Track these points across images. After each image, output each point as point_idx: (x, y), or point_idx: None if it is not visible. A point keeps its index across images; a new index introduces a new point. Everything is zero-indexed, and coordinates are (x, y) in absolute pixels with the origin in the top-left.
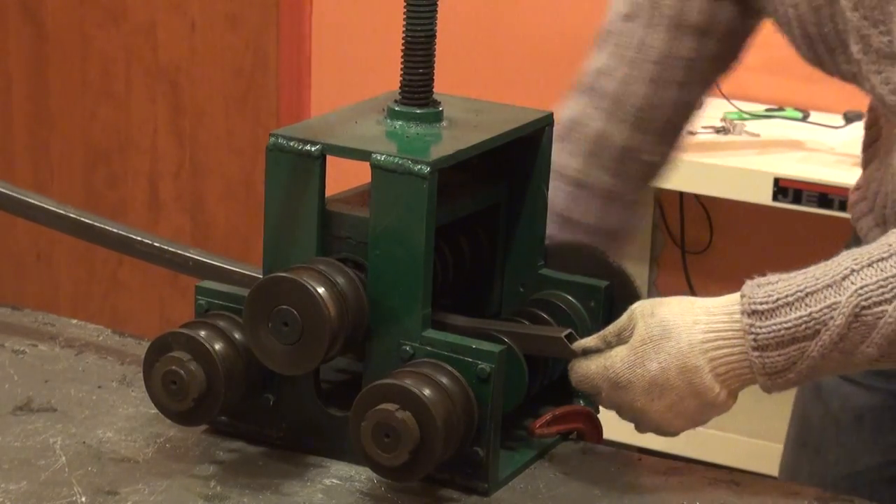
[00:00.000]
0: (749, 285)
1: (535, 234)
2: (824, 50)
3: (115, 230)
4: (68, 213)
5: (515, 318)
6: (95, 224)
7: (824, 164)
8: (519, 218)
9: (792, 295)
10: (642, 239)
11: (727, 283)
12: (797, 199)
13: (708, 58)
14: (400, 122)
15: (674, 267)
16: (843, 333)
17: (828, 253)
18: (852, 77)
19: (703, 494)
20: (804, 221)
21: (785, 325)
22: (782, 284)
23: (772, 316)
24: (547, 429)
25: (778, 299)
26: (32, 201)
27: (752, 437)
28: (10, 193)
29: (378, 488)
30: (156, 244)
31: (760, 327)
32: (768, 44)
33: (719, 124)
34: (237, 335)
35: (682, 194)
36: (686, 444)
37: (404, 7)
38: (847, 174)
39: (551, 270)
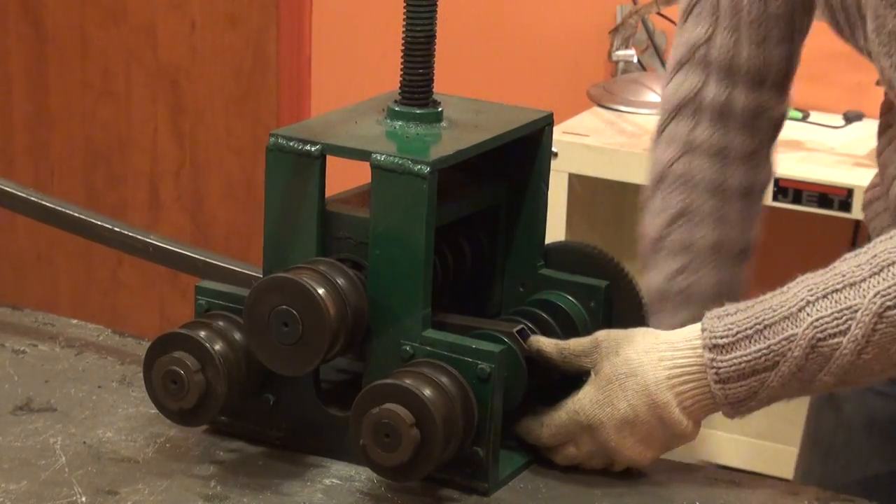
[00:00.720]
0: (709, 317)
1: (535, 234)
2: (844, 21)
3: (76, 214)
4: (30, 197)
5: (515, 318)
6: (59, 209)
7: (824, 164)
8: (519, 218)
9: (751, 328)
10: None
11: None
12: (797, 199)
13: (800, 8)
14: (400, 123)
15: None
16: (801, 364)
17: (828, 253)
18: (868, 54)
19: (703, 494)
20: (804, 221)
21: (745, 359)
22: (741, 316)
23: (732, 349)
24: None
25: (737, 332)
26: None
27: (752, 437)
28: None
29: (378, 488)
30: (116, 229)
31: (722, 361)
32: None
33: None
34: (237, 335)
35: None
36: (686, 444)
37: (404, 7)
38: (847, 174)
39: (551, 270)
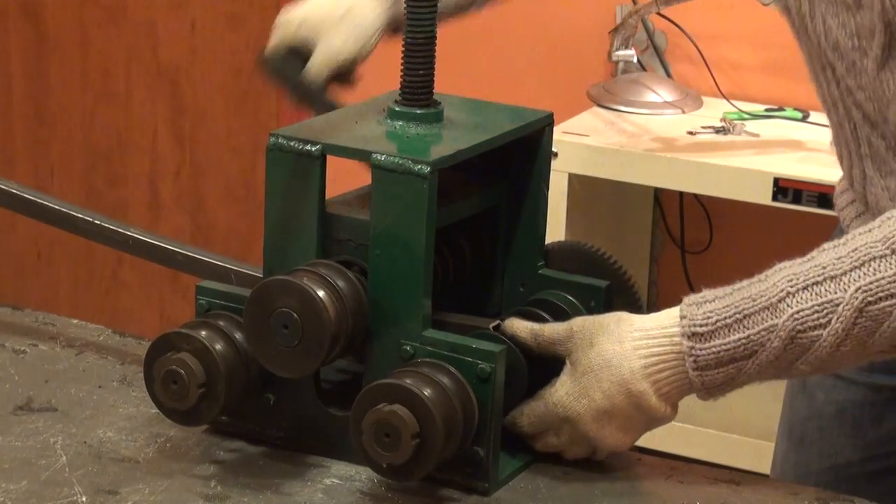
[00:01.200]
0: (687, 304)
1: (535, 234)
2: None
3: (57, 207)
4: (10, 189)
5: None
6: (38, 200)
7: (824, 164)
8: (519, 218)
9: (730, 317)
10: (642, 239)
11: (727, 283)
12: (797, 199)
13: None
14: (400, 123)
15: (674, 267)
16: (779, 354)
17: None
18: (788, 10)
19: (703, 494)
20: (804, 221)
21: (724, 347)
22: (719, 304)
23: (711, 338)
24: None
25: (717, 321)
26: None
27: (752, 437)
28: None
29: (378, 488)
30: (96, 221)
31: (700, 349)
32: (768, 44)
33: (719, 124)
34: (238, 335)
35: (682, 194)
36: (686, 444)
37: (405, 8)
38: None
39: (551, 270)
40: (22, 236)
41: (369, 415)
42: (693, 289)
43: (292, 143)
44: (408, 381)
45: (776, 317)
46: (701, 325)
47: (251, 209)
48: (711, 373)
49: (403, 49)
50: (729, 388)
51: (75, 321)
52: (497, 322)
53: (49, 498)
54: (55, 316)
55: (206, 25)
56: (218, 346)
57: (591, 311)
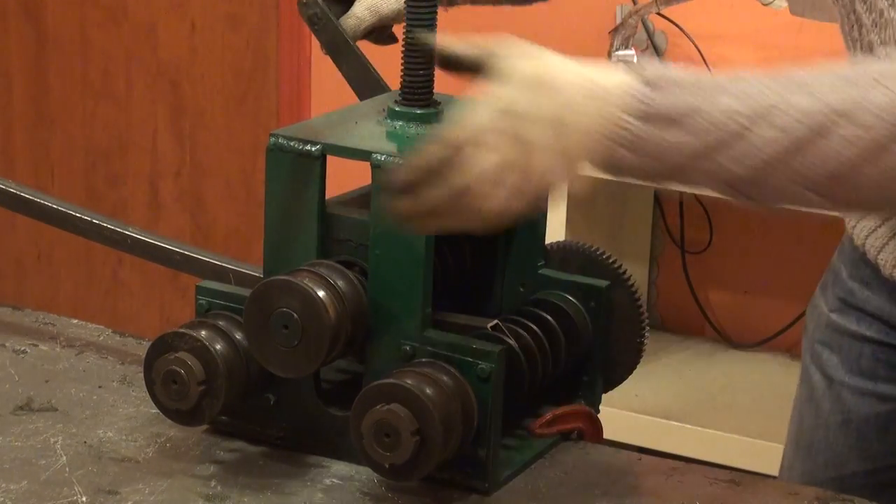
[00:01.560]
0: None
1: (535, 234)
2: None
3: (57, 207)
4: (10, 189)
5: (516, 318)
6: (38, 200)
7: None
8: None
9: (687, 81)
10: (642, 239)
11: (727, 283)
12: None
13: None
14: (400, 123)
15: (673, 267)
16: (724, 137)
17: (827, 252)
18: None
19: (703, 494)
20: (804, 221)
21: (672, 100)
22: (677, 70)
23: (662, 90)
24: (547, 429)
25: (671, 77)
26: None
27: (752, 437)
28: None
29: (378, 488)
30: (95, 221)
31: (651, 96)
32: (768, 44)
33: None
34: (238, 335)
35: (682, 194)
36: (686, 444)
37: (405, 8)
38: None
39: (551, 270)
40: (22, 236)
41: (369, 415)
42: (693, 289)
43: (292, 143)
44: (408, 381)
45: (736, 100)
46: (653, 76)
47: (251, 209)
48: (649, 129)
49: (403, 49)
50: (654, 165)
51: (75, 321)
52: (495, 322)
53: (49, 498)
54: (55, 316)
55: (206, 25)
56: (218, 346)
57: (592, 311)
